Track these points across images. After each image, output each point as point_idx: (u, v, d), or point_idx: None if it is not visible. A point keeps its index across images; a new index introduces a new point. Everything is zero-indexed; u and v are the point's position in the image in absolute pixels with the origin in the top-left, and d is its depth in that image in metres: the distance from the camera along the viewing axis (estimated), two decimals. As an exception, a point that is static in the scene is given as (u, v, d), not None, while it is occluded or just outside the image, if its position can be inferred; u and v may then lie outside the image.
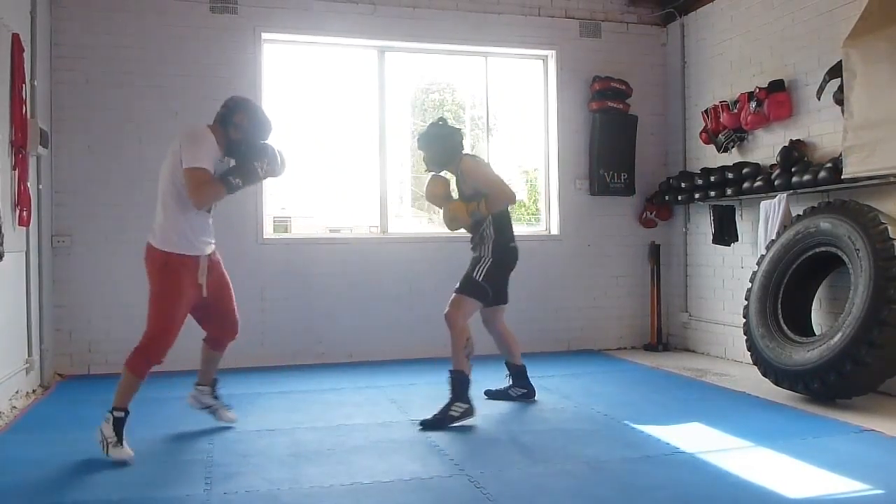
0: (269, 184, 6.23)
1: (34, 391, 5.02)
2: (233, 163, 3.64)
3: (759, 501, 2.93)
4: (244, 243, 6.03)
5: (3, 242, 4.06)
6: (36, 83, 5.11)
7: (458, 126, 4.53)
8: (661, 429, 3.96)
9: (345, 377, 5.52)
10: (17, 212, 4.71)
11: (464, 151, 4.46)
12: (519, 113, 7.17)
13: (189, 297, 3.56)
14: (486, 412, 4.34)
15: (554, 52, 6.79)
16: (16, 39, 4.58)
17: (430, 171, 4.52)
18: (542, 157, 6.88)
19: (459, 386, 4.10)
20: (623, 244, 6.91)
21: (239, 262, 6.00)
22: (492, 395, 4.69)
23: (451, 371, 4.14)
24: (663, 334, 6.86)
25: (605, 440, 3.86)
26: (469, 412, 4.08)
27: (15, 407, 4.54)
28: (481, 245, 4.38)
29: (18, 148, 4.64)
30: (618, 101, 6.73)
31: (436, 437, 3.88)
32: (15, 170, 4.63)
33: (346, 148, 6.76)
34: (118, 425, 3.42)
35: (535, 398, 4.64)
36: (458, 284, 4.33)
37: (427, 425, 4.00)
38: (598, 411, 4.31)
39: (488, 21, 6.58)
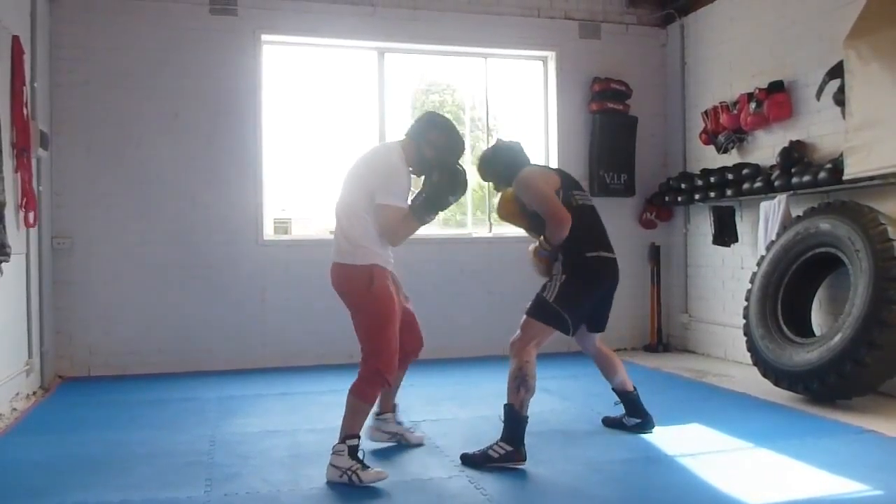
0: (269, 185, 6.26)
1: (34, 393, 5.02)
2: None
3: (759, 502, 2.93)
4: (244, 245, 6.04)
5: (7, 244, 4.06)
6: (36, 85, 5.12)
7: (515, 141, 3.97)
8: (661, 430, 3.96)
9: (345, 378, 5.47)
10: (22, 214, 4.72)
11: (530, 164, 3.91)
12: (519, 114, 7.18)
13: (397, 308, 3.35)
14: (485, 413, 4.35)
15: (554, 53, 6.80)
16: (16, 41, 4.59)
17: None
18: (542, 158, 6.88)
19: (507, 422, 3.46)
20: (623, 245, 6.81)
21: (239, 264, 6.03)
22: (608, 423, 4.12)
23: (504, 405, 3.51)
24: (663, 335, 6.86)
25: (605, 441, 3.87)
26: (513, 456, 3.39)
27: (15, 409, 4.54)
28: (555, 259, 3.68)
29: (21, 150, 4.64)
30: (617, 103, 6.73)
31: (436, 438, 3.88)
32: (17, 172, 4.64)
33: (346, 149, 6.76)
34: (354, 452, 3.19)
35: (653, 430, 3.94)
36: (528, 304, 3.68)
37: (465, 460, 3.45)
38: (599, 412, 4.31)
39: (488, 22, 6.59)
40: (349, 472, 3.14)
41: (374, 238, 3.26)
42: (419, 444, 3.76)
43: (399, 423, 3.78)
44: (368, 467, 3.19)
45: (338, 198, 3.43)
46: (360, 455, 3.21)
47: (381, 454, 3.60)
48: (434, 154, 3.41)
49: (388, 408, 3.75)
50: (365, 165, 3.39)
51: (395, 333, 3.29)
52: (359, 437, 3.25)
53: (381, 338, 3.25)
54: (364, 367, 3.28)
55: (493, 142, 4.12)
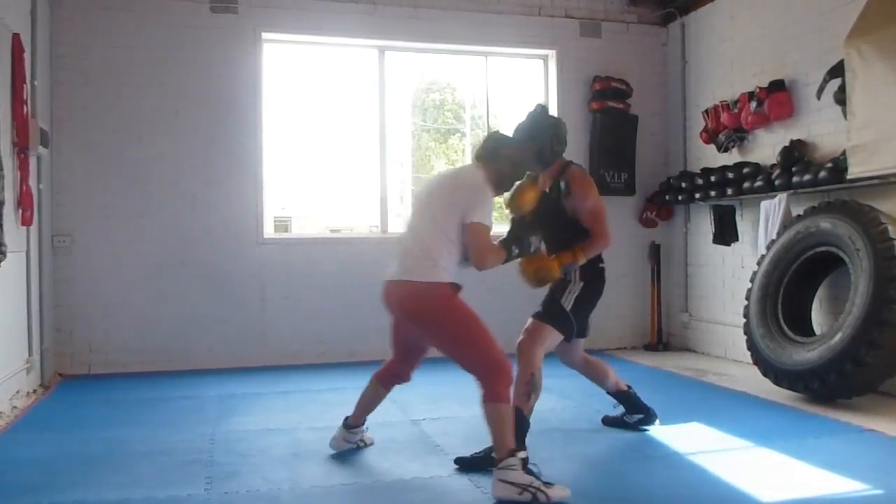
0: (269, 184, 6.26)
1: (35, 391, 5.02)
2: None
3: (759, 502, 2.93)
4: (244, 243, 6.04)
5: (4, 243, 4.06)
6: (36, 83, 5.11)
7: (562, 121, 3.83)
8: (661, 429, 3.96)
9: (345, 377, 5.51)
10: (20, 212, 4.72)
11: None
12: (519, 113, 7.16)
13: None
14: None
15: (554, 51, 6.79)
16: (16, 40, 4.59)
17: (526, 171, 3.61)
18: (543, 156, 6.88)
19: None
20: (623, 244, 6.89)
21: (239, 262, 6.03)
22: (608, 422, 4.09)
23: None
24: (664, 334, 6.86)
25: (605, 440, 3.87)
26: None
27: (16, 407, 4.54)
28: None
29: (21, 148, 4.64)
30: (618, 101, 6.73)
31: (436, 437, 3.89)
32: (17, 170, 4.64)
33: (347, 148, 6.77)
34: (526, 465, 3.01)
35: (657, 422, 3.97)
36: (539, 308, 3.63)
37: (464, 464, 3.39)
38: (598, 411, 4.30)
39: (488, 21, 6.58)
40: (533, 489, 2.88)
41: (454, 261, 3.18)
42: (372, 443, 3.73)
43: (361, 430, 3.72)
44: (551, 484, 2.97)
45: (413, 217, 3.35)
46: (531, 468, 3.02)
47: (380, 452, 3.61)
48: (512, 170, 3.35)
49: (359, 423, 3.67)
50: (451, 185, 3.27)
51: (492, 336, 3.15)
52: (524, 449, 3.13)
53: (482, 336, 3.12)
54: (483, 372, 3.09)
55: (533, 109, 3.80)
